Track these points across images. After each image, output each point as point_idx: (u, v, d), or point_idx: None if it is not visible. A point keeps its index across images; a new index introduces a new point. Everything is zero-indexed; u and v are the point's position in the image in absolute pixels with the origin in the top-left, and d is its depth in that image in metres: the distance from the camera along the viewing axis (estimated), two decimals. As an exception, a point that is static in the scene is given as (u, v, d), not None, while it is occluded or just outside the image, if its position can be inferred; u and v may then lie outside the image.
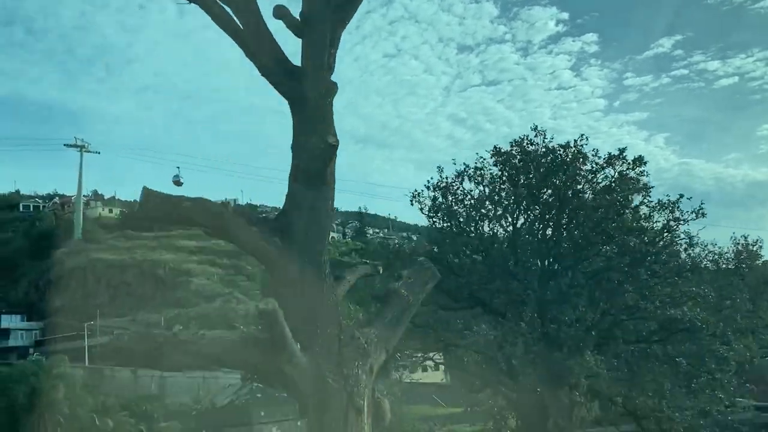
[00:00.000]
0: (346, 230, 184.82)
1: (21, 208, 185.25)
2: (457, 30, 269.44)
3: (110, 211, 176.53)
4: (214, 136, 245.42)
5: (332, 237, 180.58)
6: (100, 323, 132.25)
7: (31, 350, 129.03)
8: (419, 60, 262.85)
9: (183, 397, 70.14)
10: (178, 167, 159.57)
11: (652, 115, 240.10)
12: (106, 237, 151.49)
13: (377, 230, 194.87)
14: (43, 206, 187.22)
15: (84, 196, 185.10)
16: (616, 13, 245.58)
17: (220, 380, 72.09)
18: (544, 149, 33.85)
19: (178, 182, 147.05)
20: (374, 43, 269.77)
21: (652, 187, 32.73)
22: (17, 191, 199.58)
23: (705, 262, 40.60)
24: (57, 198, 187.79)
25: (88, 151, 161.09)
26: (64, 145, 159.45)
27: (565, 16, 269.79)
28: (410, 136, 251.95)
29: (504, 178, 35.25)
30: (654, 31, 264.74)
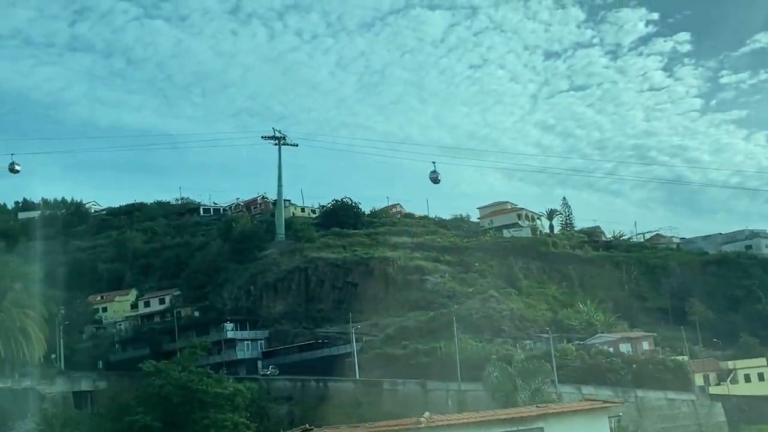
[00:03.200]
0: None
1: (201, 212, 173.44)
2: (542, 37, 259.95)
3: (302, 210, 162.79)
4: (312, 152, 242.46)
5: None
6: (334, 329, 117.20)
7: (259, 363, 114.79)
8: (505, 69, 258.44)
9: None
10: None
11: (751, 113, 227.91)
12: (316, 235, 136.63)
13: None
14: (224, 209, 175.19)
15: (264, 198, 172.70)
16: (709, 10, 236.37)
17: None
18: None
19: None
20: (460, 56, 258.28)
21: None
22: (186, 198, 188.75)
23: None
24: (238, 200, 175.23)
25: (286, 144, 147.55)
26: (262, 137, 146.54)
27: (655, 16, 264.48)
28: (498, 145, 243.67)
29: None
30: (750, 27, 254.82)
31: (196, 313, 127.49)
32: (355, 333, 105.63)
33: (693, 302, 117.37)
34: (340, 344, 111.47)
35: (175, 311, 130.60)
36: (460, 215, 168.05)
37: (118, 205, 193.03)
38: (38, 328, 67.61)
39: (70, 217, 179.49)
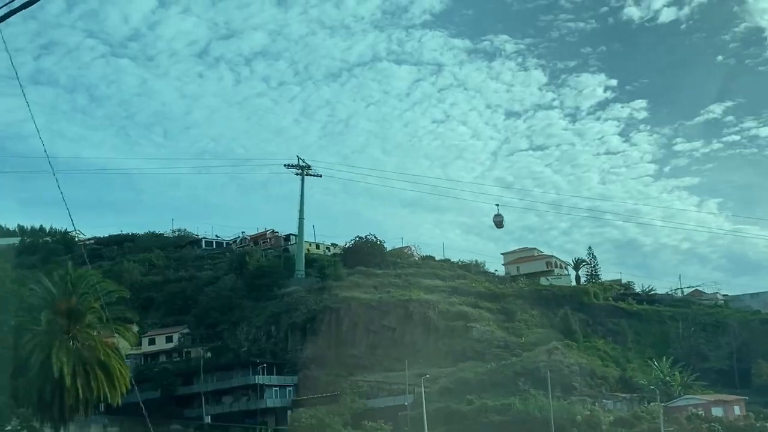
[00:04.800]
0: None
1: (204, 245, 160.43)
2: (504, 97, 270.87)
3: (317, 246, 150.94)
4: (267, 199, 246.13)
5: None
6: (374, 377, 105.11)
7: (289, 413, 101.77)
8: (467, 126, 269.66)
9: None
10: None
11: (703, 181, 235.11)
12: (344, 273, 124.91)
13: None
14: (227, 243, 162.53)
15: (274, 232, 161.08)
16: (666, 79, 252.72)
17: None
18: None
19: None
20: (424, 110, 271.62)
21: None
22: (183, 229, 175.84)
23: None
24: (243, 233, 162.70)
25: (309, 174, 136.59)
26: (285, 165, 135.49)
27: (614, 82, 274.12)
28: (459, 200, 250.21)
29: None
30: (704, 97, 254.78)
31: (208, 354, 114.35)
32: (401, 384, 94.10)
33: (760, 364, 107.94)
34: (382, 395, 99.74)
35: (184, 351, 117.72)
36: (476, 261, 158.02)
37: (107, 235, 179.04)
38: (122, 363, 55.05)
39: (55, 245, 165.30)
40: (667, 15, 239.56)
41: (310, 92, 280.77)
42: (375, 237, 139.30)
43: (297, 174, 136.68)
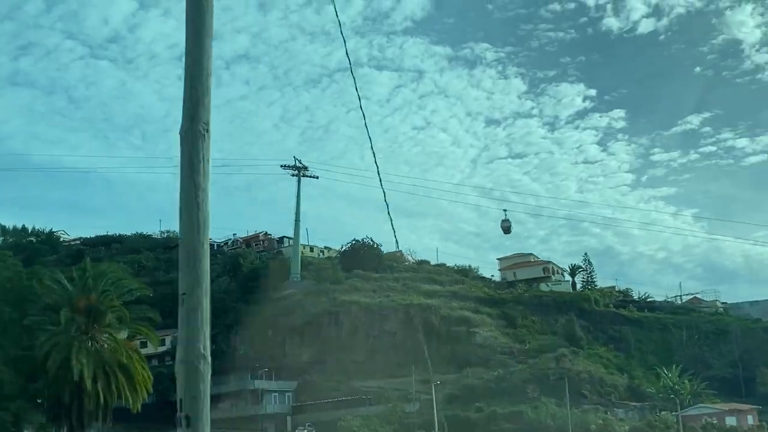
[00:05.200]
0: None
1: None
2: (485, 104, 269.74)
3: (311, 249, 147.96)
4: (250, 202, 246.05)
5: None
6: (377, 383, 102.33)
7: (289, 419, 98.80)
8: (447, 132, 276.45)
9: None
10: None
11: (680, 191, 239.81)
12: (342, 276, 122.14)
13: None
14: (218, 245, 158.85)
15: (266, 234, 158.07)
16: (644, 90, 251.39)
17: None
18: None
19: None
20: (404, 116, 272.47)
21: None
22: (172, 231, 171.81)
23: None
24: (234, 235, 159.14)
25: (306, 176, 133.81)
26: (281, 166, 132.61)
27: (593, 92, 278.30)
28: (437, 206, 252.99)
29: None
30: (681, 108, 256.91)
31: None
32: (405, 390, 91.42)
33: (765, 372, 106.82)
34: (385, 402, 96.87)
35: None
36: (469, 266, 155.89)
37: (94, 236, 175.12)
38: (144, 365, 51.80)
39: (40, 245, 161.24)
40: (646, 26, 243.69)
41: (290, 98, 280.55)
42: (372, 240, 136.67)
43: (293, 175, 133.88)
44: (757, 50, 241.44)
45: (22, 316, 47.78)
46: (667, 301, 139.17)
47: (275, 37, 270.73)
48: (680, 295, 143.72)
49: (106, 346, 48.40)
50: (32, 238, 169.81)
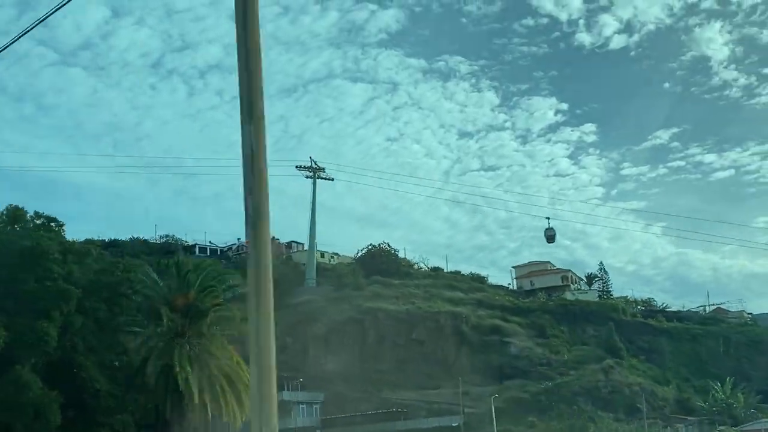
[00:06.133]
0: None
1: (197, 252, 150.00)
2: (458, 117, 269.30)
3: (322, 255, 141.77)
4: (218, 213, 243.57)
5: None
6: (408, 394, 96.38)
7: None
8: (421, 144, 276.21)
9: None
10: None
11: (649, 204, 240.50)
12: (364, 282, 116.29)
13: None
14: (222, 250, 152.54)
15: (275, 239, 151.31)
16: (615, 105, 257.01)
17: None
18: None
19: None
20: (378, 128, 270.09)
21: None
22: (171, 235, 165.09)
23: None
24: (239, 240, 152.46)
25: (321, 178, 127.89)
26: (297, 167, 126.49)
27: (565, 106, 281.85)
28: (409, 218, 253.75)
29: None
30: (651, 123, 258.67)
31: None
32: (441, 402, 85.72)
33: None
34: (424, 415, 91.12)
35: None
36: (479, 274, 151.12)
37: (83, 239, 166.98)
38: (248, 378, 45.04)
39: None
40: (618, 42, 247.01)
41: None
42: (389, 245, 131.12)
43: (307, 177, 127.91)
44: (725, 67, 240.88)
45: (112, 315, 41.15)
46: (693, 311, 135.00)
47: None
48: (706, 306, 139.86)
49: (206, 351, 41.97)
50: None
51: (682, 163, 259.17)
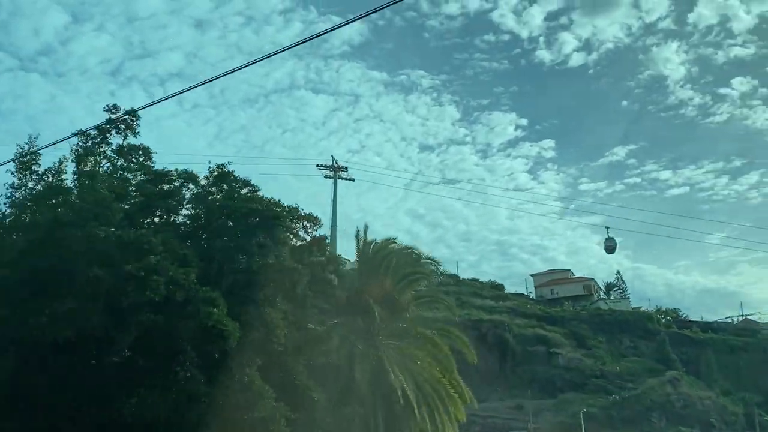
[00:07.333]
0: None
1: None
2: (419, 130, 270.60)
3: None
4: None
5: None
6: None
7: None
8: (382, 156, 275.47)
9: None
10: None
11: (606, 219, 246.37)
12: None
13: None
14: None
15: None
16: (574, 121, 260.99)
17: None
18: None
19: None
20: (339, 139, 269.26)
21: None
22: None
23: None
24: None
25: (342, 178, 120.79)
26: (317, 166, 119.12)
27: (524, 122, 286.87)
28: (372, 230, 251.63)
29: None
30: (608, 140, 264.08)
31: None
32: (496, 418, 79.36)
33: None
34: (475, 429, 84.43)
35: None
36: (494, 282, 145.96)
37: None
38: (459, 380, 37.84)
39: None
40: (577, 59, 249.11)
41: (225, 116, 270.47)
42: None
43: (328, 177, 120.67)
44: (681, 86, 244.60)
45: (294, 308, 32.47)
46: (725, 322, 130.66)
47: (212, 56, 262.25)
48: (739, 316, 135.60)
49: (408, 353, 34.91)
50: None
51: (638, 179, 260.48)
